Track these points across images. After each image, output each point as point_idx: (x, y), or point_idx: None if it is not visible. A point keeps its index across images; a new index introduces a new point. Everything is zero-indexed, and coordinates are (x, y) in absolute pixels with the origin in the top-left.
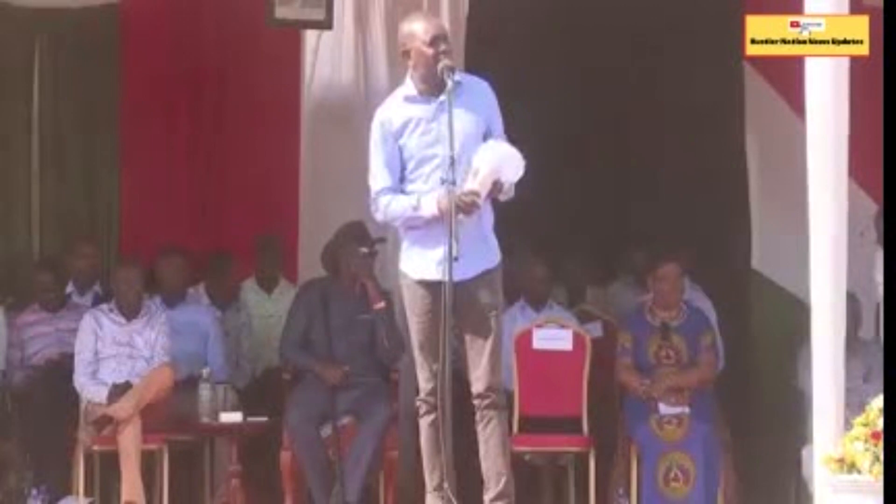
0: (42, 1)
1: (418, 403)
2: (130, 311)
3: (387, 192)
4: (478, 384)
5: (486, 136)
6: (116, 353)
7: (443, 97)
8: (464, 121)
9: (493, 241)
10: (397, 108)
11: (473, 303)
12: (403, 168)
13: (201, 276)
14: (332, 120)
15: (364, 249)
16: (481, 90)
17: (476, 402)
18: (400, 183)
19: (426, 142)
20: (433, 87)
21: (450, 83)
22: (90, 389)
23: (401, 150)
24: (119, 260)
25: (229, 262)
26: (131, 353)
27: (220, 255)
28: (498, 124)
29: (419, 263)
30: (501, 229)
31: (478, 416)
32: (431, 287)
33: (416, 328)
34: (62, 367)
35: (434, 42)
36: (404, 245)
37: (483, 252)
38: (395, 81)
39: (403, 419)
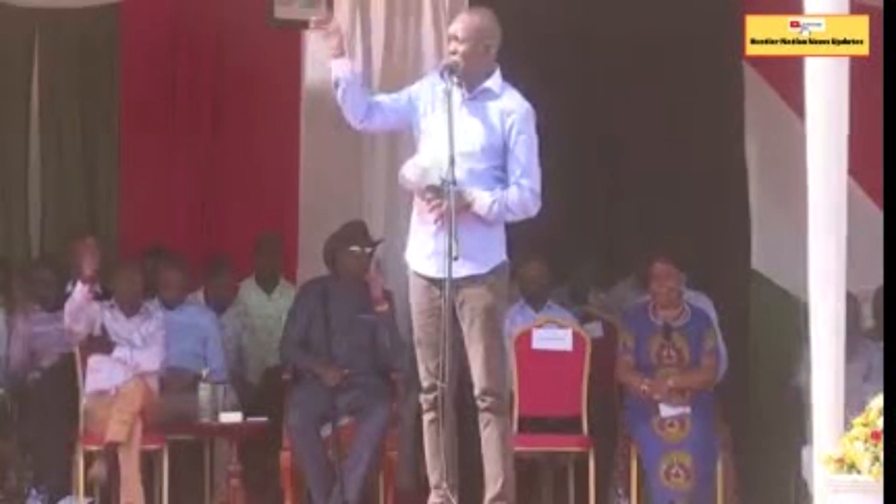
0: (42, 1)
1: (421, 400)
2: (131, 309)
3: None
4: (476, 387)
5: (504, 152)
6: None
7: (470, 95)
8: (473, 127)
9: (494, 248)
10: (435, 81)
11: (462, 304)
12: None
13: (200, 280)
14: (332, 120)
15: (355, 248)
16: (515, 108)
17: (477, 403)
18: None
19: (426, 126)
20: (468, 81)
21: (448, 83)
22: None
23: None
24: (119, 260)
25: (227, 266)
26: (130, 347)
27: (219, 259)
28: (522, 152)
29: (415, 255)
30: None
31: (479, 418)
32: (426, 281)
33: (416, 323)
34: (62, 367)
35: (448, 40)
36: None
37: (474, 256)
38: (395, 81)
39: (404, 419)
